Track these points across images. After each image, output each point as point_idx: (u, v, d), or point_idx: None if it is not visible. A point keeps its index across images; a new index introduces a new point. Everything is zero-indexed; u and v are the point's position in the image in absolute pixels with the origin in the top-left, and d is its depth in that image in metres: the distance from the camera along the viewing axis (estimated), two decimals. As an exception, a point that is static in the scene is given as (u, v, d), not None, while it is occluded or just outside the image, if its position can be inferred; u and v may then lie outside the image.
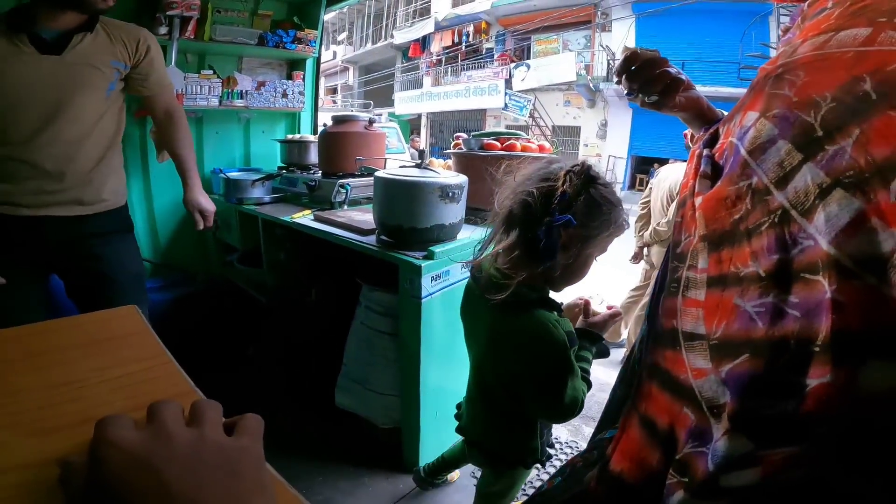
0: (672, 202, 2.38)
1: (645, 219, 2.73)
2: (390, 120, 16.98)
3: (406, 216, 1.29)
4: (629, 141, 12.12)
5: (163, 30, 2.30)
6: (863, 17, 0.38)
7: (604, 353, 0.98)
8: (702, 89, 0.65)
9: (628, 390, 0.57)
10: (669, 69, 0.65)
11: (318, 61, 3.15)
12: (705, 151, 0.53)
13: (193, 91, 2.53)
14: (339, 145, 1.99)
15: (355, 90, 19.96)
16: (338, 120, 2.07)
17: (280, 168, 2.59)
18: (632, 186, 11.90)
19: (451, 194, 1.26)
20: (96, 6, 1.19)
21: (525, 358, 0.86)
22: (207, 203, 1.58)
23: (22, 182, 1.18)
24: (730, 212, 0.43)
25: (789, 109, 0.40)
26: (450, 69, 15.73)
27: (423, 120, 17.07)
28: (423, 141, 16.70)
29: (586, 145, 13.24)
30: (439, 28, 15.42)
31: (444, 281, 1.34)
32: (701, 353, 0.42)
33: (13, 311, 1.22)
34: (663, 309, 0.50)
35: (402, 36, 16.76)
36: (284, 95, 2.86)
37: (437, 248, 1.30)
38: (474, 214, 1.56)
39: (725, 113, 0.61)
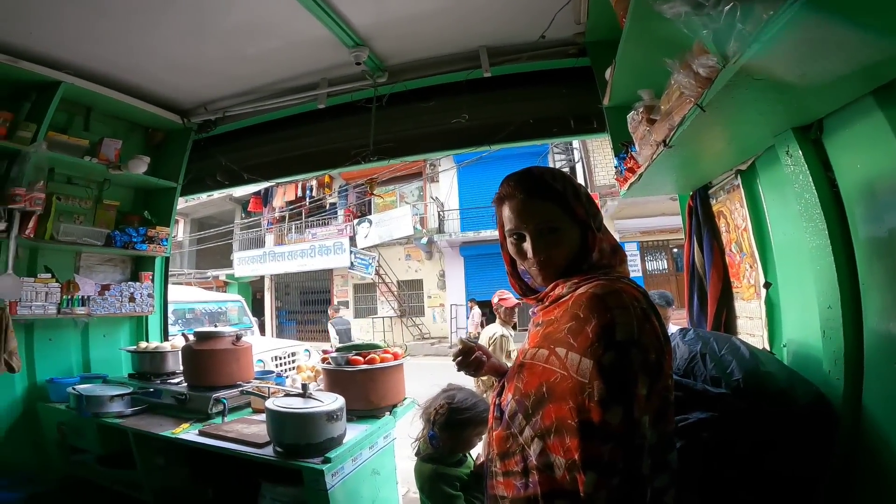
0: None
1: None
2: (229, 284, 15.54)
3: (302, 437, 1.55)
4: (465, 288, 13.13)
5: (1, 226, 2.14)
6: (546, 342, 0.86)
7: None
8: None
9: None
10: (479, 354, 1.13)
11: (167, 260, 3.10)
12: (497, 400, 0.97)
13: (28, 298, 2.32)
14: (209, 361, 2.10)
15: (185, 248, 17.92)
16: (203, 336, 2.18)
17: (131, 376, 2.47)
18: (475, 330, 13.08)
19: (335, 416, 1.59)
20: None
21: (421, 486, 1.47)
22: None
23: None
24: (506, 443, 0.87)
25: (521, 397, 0.86)
26: (293, 226, 15.44)
27: (267, 282, 16.06)
28: (269, 309, 15.65)
29: (429, 296, 13.82)
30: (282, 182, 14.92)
31: (341, 474, 1.61)
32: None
33: None
34: (487, 484, 0.94)
35: (241, 188, 15.45)
36: (132, 300, 2.76)
37: (332, 454, 1.57)
38: (351, 414, 1.83)
39: (509, 365, 1.08)
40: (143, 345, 2.54)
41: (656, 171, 1.43)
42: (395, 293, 14.15)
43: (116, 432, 2.02)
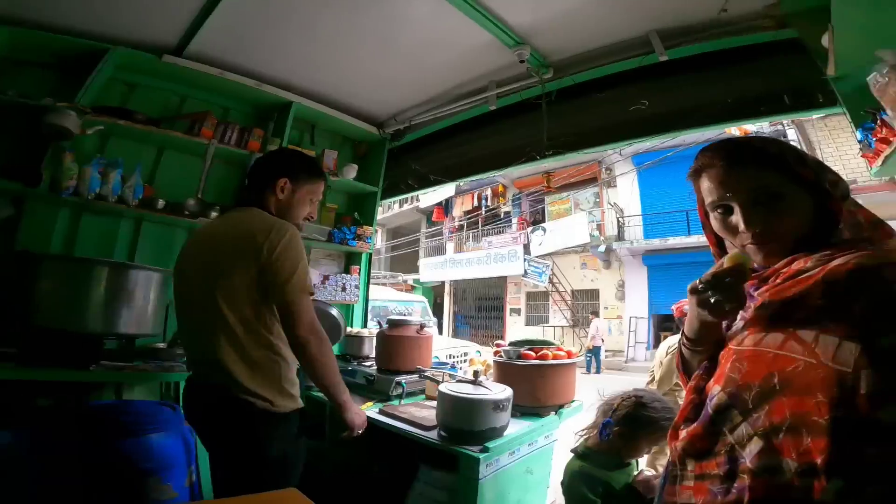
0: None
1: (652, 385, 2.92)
2: (415, 288, 17.42)
3: (466, 422, 1.62)
4: (648, 300, 12.05)
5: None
6: (780, 324, 0.71)
7: None
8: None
9: None
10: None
11: (370, 256, 3.54)
12: (693, 396, 0.82)
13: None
14: (396, 346, 2.38)
15: (382, 255, 20.33)
16: (393, 323, 2.47)
17: (337, 356, 2.91)
18: (656, 345, 11.84)
19: (501, 406, 1.62)
20: None
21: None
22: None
23: None
24: (704, 441, 0.75)
25: (737, 389, 0.72)
26: (471, 234, 16.27)
27: (447, 287, 16.93)
28: (447, 313, 16.80)
29: (606, 307, 12.97)
30: (460, 192, 15.67)
31: (495, 466, 1.64)
32: None
33: None
34: (665, 490, 0.81)
35: (426, 199, 16.79)
36: (343, 289, 3.26)
37: (491, 444, 1.61)
38: (516, 409, 1.84)
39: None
40: (348, 329, 3.02)
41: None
42: (569, 303, 13.69)
43: (318, 405, 2.33)
